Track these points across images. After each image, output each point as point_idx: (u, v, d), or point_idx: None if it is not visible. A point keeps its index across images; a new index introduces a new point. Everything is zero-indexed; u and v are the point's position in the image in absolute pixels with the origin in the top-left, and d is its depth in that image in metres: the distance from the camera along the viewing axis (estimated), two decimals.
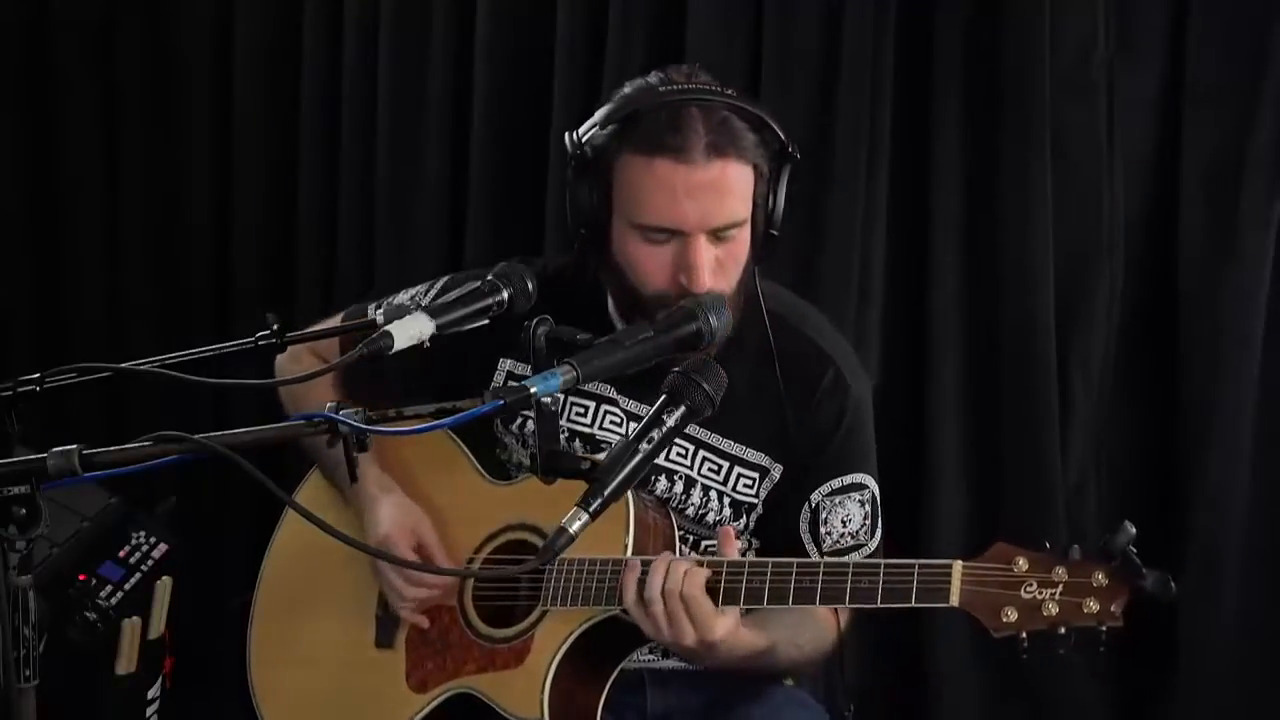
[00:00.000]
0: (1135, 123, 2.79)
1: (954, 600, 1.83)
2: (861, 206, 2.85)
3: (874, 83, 2.84)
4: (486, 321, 1.89)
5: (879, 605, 1.89)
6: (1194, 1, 2.73)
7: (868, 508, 2.21)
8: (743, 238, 2.07)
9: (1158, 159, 2.79)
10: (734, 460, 2.19)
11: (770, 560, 1.97)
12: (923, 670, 2.90)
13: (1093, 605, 1.77)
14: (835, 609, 2.12)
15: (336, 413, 1.58)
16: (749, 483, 2.20)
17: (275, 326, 1.90)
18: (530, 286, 1.92)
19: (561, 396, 2.08)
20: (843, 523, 2.19)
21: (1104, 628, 1.77)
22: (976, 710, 2.90)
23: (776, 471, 2.20)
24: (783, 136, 2.07)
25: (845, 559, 2.16)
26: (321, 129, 3.42)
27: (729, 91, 2.04)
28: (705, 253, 2.03)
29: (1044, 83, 2.75)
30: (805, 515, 2.19)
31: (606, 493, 1.64)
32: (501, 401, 1.63)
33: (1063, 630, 1.78)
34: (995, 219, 2.84)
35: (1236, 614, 2.75)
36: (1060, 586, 1.78)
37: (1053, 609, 1.78)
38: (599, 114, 2.08)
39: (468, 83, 3.22)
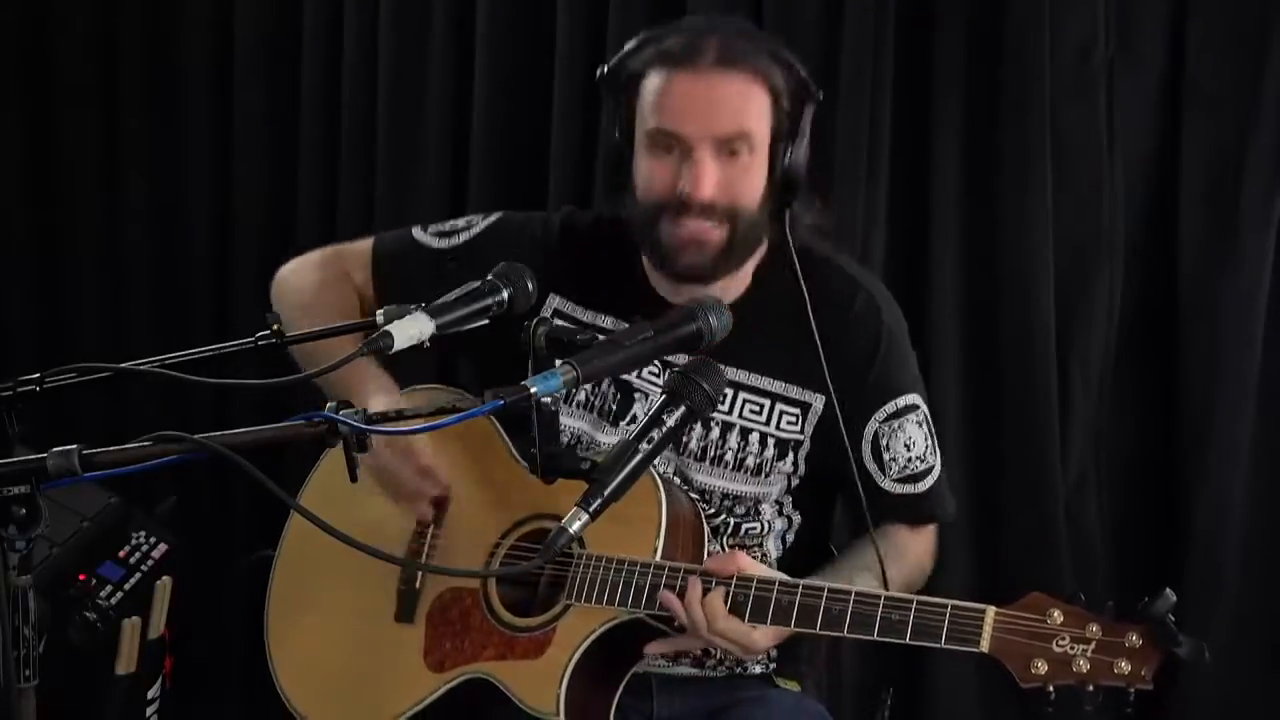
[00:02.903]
0: (1135, 123, 2.79)
1: (984, 646, 1.82)
2: (861, 206, 2.85)
3: (874, 83, 2.84)
4: (486, 322, 1.90)
5: (907, 642, 1.87)
6: (1194, 2, 2.73)
7: (925, 428, 2.23)
8: (755, 163, 2.10)
9: (1158, 159, 2.79)
10: (774, 397, 2.20)
11: (801, 581, 1.97)
12: (921, 659, 2.90)
13: (1124, 666, 1.76)
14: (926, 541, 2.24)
15: (337, 412, 1.58)
16: (792, 419, 2.20)
17: (275, 326, 1.90)
18: (530, 286, 1.93)
19: None
20: (906, 446, 2.20)
21: (1132, 690, 1.76)
22: (975, 704, 2.90)
23: (819, 403, 2.19)
24: (804, 74, 2.11)
25: (916, 486, 2.22)
26: (321, 129, 3.42)
27: (749, 27, 2.18)
28: (708, 163, 2.06)
29: (1044, 83, 2.75)
30: (866, 445, 2.19)
31: (606, 493, 1.65)
32: (501, 401, 1.63)
33: (1091, 688, 1.77)
34: (995, 219, 2.84)
35: (1236, 614, 2.75)
36: (1093, 644, 1.77)
37: (1083, 665, 1.77)
38: (627, 45, 2.14)
39: (468, 83, 3.22)
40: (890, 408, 2.20)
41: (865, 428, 2.20)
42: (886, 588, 2.09)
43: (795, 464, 2.23)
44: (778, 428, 2.20)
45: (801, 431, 2.21)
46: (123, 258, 3.68)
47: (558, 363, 1.69)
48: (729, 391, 2.18)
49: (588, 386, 2.23)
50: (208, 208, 3.60)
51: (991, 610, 1.83)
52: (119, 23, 3.62)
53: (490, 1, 3.17)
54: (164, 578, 2.88)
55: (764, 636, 2.00)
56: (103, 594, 2.76)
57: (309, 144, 3.45)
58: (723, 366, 2.05)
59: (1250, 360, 2.72)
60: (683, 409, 1.71)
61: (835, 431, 2.17)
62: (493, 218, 2.36)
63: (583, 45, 3.08)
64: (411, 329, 1.78)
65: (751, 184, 2.11)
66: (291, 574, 2.35)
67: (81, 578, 2.75)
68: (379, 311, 2.00)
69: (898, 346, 2.23)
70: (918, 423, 2.22)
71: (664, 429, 1.70)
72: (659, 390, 2.09)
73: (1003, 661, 1.81)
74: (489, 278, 1.93)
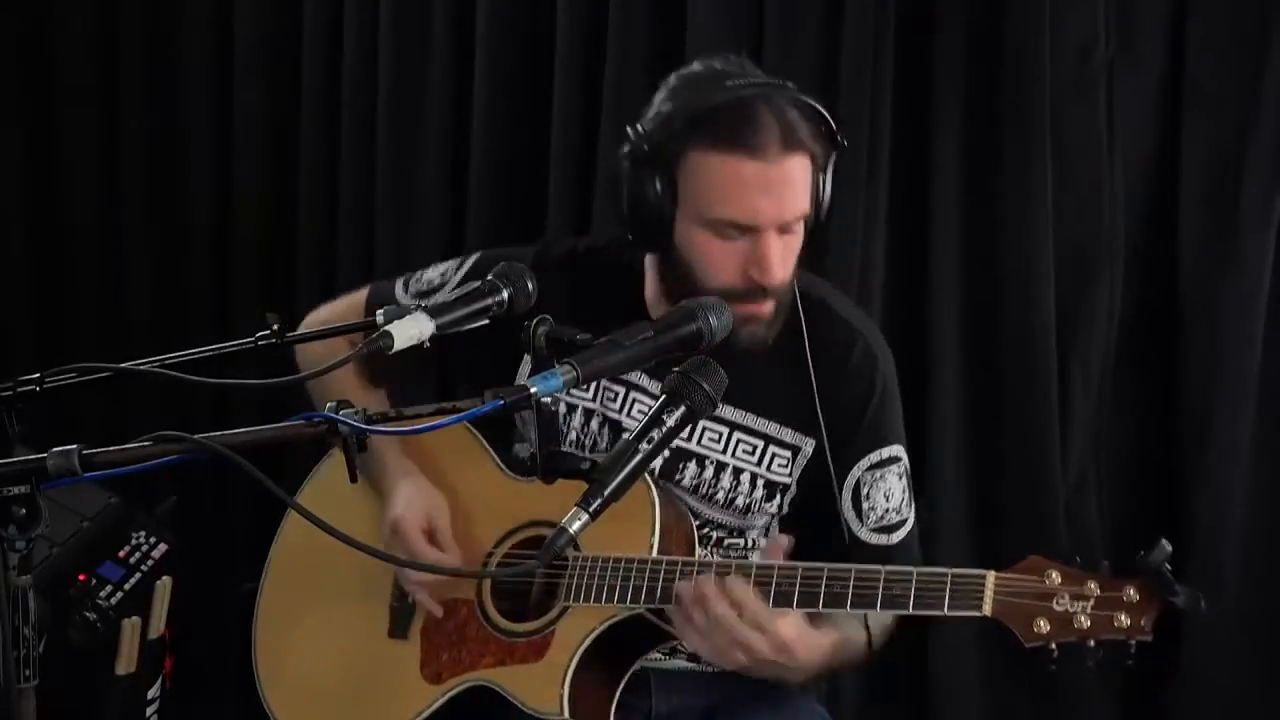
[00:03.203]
0: (1135, 123, 2.79)
1: (987, 610, 1.85)
2: (862, 207, 2.85)
3: (874, 83, 2.84)
4: (486, 322, 1.90)
5: (911, 612, 1.90)
6: (1194, 2, 2.73)
7: (904, 480, 2.23)
8: (800, 232, 2.11)
9: (1158, 159, 2.79)
10: (768, 439, 2.20)
11: (800, 565, 1.97)
12: (924, 661, 2.90)
13: (1123, 620, 1.79)
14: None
15: (337, 412, 1.58)
16: (783, 462, 2.20)
17: (275, 326, 1.90)
18: (530, 286, 1.93)
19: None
20: (885, 497, 2.20)
21: (1133, 642, 1.79)
22: (978, 704, 2.90)
23: (809, 447, 2.20)
24: (834, 125, 2.10)
25: (889, 538, 2.21)
26: (321, 129, 3.42)
27: (788, 84, 2.08)
28: (776, 247, 2.07)
29: (1044, 83, 2.75)
30: (848, 493, 2.19)
31: (606, 493, 1.64)
32: (501, 401, 1.63)
33: (1092, 643, 1.80)
34: (995, 219, 2.84)
35: (1236, 614, 2.75)
36: (1092, 600, 1.80)
37: (1084, 622, 1.80)
38: (664, 107, 2.09)
39: (468, 82, 3.22)
40: (875, 457, 2.20)
41: (848, 476, 2.20)
42: (869, 635, 2.12)
43: (780, 506, 2.24)
44: (769, 469, 2.21)
45: (790, 475, 2.22)
46: (123, 258, 3.68)
47: (557, 362, 1.69)
48: (723, 430, 2.19)
49: (577, 425, 2.23)
50: (208, 207, 3.59)
51: (992, 574, 1.86)
52: (119, 23, 3.62)
53: (490, 1, 3.17)
54: (164, 578, 2.88)
55: (788, 625, 1.97)
56: (103, 594, 2.76)
57: (309, 144, 3.45)
58: (720, 404, 2.05)
59: (1250, 360, 2.72)
60: (683, 409, 1.71)
61: (819, 477, 2.19)
62: (470, 262, 2.34)
63: (583, 45, 3.08)
64: (411, 329, 1.78)
65: (798, 249, 2.13)
66: (279, 599, 2.36)
67: (81, 578, 2.75)
68: (379, 311, 2.01)
69: (889, 395, 2.24)
70: (898, 474, 2.22)
71: (664, 429, 1.69)
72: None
73: (1006, 623, 1.83)
74: (489, 278, 1.93)
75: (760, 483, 2.20)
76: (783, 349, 2.16)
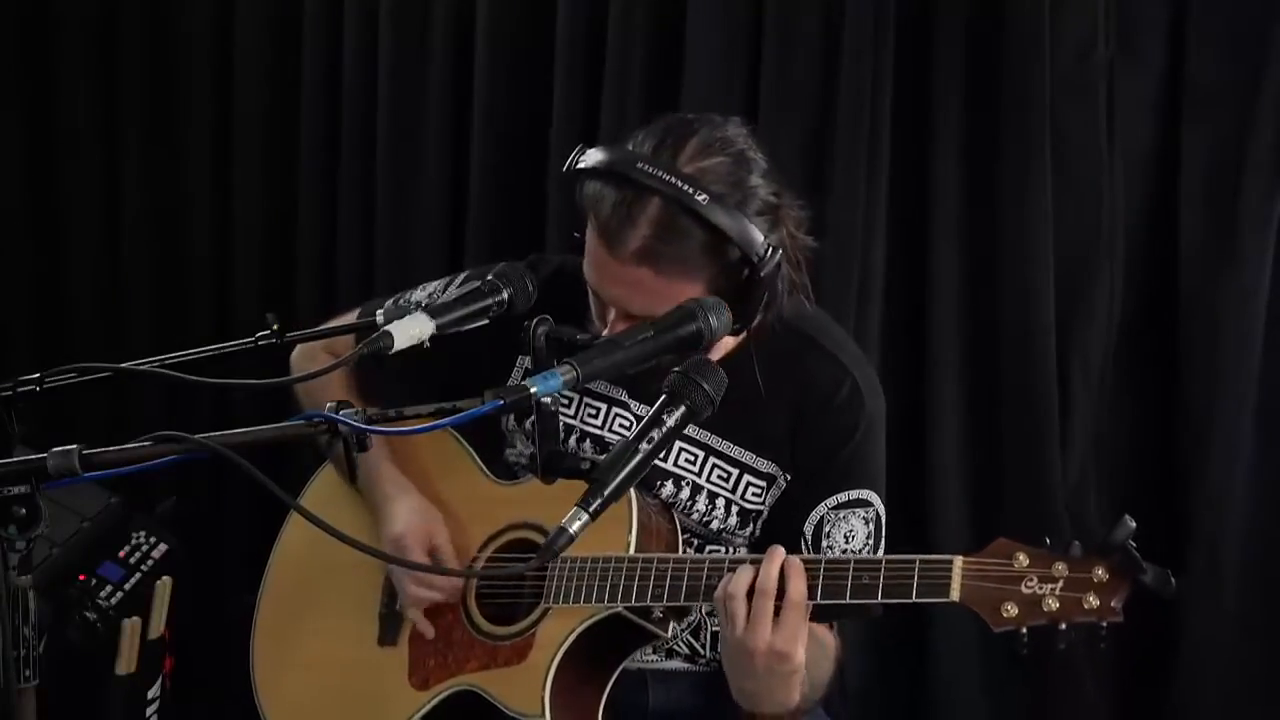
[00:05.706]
0: (1135, 123, 2.79)
1: (954, 596, 1.83)
2: (862, 207, 2.85)
3: (874, 83, 2.84)
4: (486, 321, 1.89)
5: (880, 601, 1.89)
6: (1194, 1, 2.74)
7: (871, 526, 2.18)
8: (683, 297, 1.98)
9: (1158, 159, 2.79)
10: (743, 468, 2.17)
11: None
12: (924, 663, 2.90)
13: (1093, 601, 1.77)
14: (838, 640, 2.14)
15: (337, 413, 1.58)
16: (757, 491, 2.18)
17: (275, 326, 1.90)
18: (530, 287, 1.93)
19: (576, 397, 2.16)
20: (845, 538, 2.15)
21: (1104, 623, 1.77)
22: (978, 706, 2.90)
23: (784, 480, 2.18)
24: (757, 252, 1.95)
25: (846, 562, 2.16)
26: (321, 129, 3.42)
27: (701, 197, 1.93)
28: (618, 326, 2.01)
29: (1044, 83, 2.75)
30: (809, 527, 2.15)
31: (606, 493, 1.64)
32: (501, 401, 1.63)
33: (1063, 626, 1.78)
34: (995, 219, 2.83)
35: (1236, 614, 2.75)
36: (1060, 582, 1.78)
37: (1053, 604, 1.78)
38: (590, 156, 2.01)
39: (468, 83, 3.22)
40: (843, 497, 2.16)
41: (813, 511, 2.16)
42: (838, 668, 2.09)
43: (754, 533, 2.22)
44: (743, 498, 2.18)
45: (764, 504, 2.19)
46: (123, 258, 3.68)
47: (557, 362, 1.69)
48: (699, 454, 2.17)
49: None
50: (208, 208, 3.60)
51: (959, 559, 1.84)
52: (119, 22, 3.62)
53: (490, 1, 3.17)
54: (164, 578, 2.88)
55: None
56: (103, 594, 2.76)
57: (309, 144, 3.45)
58: (694, 429, 2.01)
59: (1250, 360, 2.72)
60: (682, 409, 1.71)
61: (789, 508, 2.16)
62: (457, 280, 2.32)
63: (583, 45, 3.08)
64: (412, 329, 1.78)
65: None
66: (276, 608, 2.36)
67: (81, 578, 2.76)
68: (378, 311, 2.00)
69: (871, 439, 2.19)
70: (864, 519, 2.17)
71: (664, 429, 1.69)
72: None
73: (973, 608, 1.82)
74: (489, 277, 1.93)
75: (734, 509, 2.18)
76: (766, 380, 2.12)
